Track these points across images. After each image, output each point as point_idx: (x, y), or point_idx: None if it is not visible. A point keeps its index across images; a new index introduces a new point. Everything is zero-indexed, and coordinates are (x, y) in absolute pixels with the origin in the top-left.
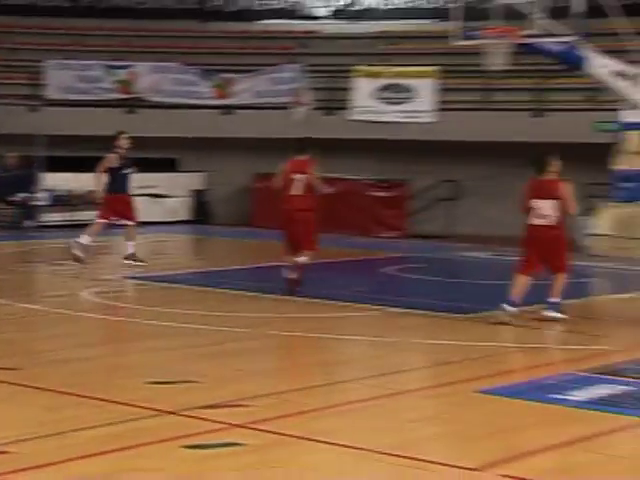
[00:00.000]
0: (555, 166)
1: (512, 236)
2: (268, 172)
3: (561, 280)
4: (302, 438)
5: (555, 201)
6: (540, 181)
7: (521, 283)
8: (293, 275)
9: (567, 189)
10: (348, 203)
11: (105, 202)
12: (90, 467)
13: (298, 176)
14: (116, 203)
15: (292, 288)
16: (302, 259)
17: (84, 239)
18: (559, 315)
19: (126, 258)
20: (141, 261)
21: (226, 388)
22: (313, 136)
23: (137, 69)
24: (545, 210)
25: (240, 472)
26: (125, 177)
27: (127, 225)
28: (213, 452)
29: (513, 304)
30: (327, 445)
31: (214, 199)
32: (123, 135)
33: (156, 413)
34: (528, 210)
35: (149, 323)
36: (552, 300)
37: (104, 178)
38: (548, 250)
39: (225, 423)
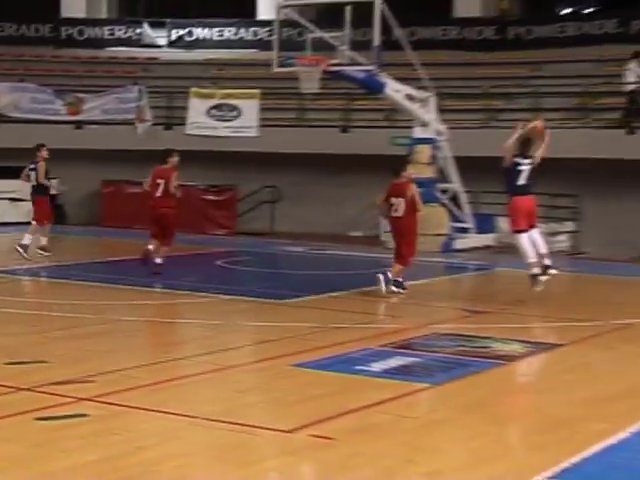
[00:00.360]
0: (408, 173)
1: (322, 233)
2: (115, 179)
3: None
4: (141, 409)
5: (403, 199)
6: (395, 183)
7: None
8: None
9: (413, 190)
10: (185, 206)
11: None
12: None
13: (160, 181)
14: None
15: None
16: (158, 247)
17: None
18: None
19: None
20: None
21: (75, 367)
22: (155, 148)
23: None
24: (399, 206)
25: (85, 439)
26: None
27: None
28: (62, 423)
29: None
30: (163, 414)
31: (68, 203)
32: (44, 147)
33: (12, 390)
34: (385, 206)
35: (6, 311)
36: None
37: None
38: (401, 235)
39: (73, 397)
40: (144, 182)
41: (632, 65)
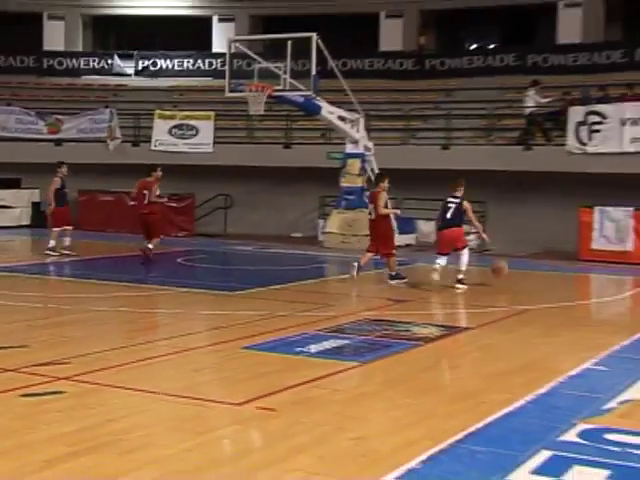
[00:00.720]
0: (384, 184)
1: (268, 234)
2: (89, 189)
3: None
4: (111, 386)
5: (373, 205)
6: (371, 192)
7: (367, 257)
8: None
9: (379, 198)
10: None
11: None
12: None
13: (146, 192)
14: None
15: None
16: (150, 245)
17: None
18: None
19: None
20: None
21: (53, 350)
22: (124, 162)
23: None
24: (372, 210)
25: (63, 413)
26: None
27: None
28: (43, 399)
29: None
30: (131, 391)
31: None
32: (63, 164)
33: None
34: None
35: None
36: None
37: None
38: (376, 235)
39: (52, 377)
40: (131, 193)
41: (531, 92)
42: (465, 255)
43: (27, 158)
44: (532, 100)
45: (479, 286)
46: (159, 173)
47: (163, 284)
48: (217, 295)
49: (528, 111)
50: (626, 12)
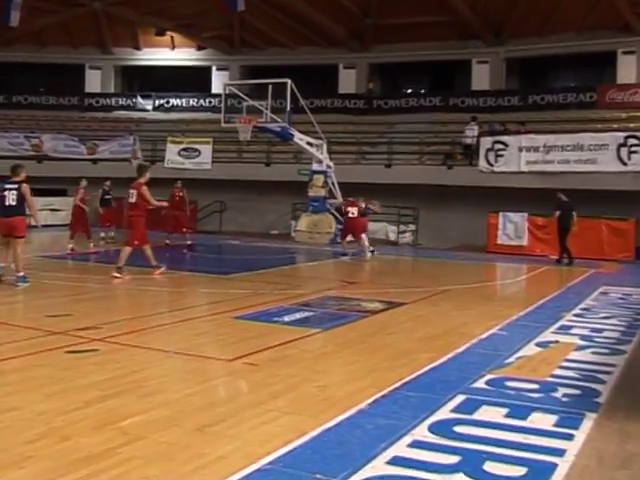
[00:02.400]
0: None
1: (253, 232)
2: (118, 197)
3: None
4: (133, 346)
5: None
6: (350, 201)
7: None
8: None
9: (358, 204)
10: (167, 214)
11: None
12: (8, 366)
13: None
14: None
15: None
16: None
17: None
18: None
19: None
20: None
21: (91, 318)
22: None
23: (43, 137)
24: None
25: (97, 365)
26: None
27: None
28: (82, 355)
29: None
30: (147, 349)
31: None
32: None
33: (49, 333)
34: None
35: (45, 283)
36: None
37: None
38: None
39: (89, 338)
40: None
41: (474, 126)
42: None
43: (71, 173)
44: (473, 131)
45: (413, 272)
46: (148, 174)
47: (172, 269)
48: (213, 277)
49: (469, 140)
50: (522, 67)
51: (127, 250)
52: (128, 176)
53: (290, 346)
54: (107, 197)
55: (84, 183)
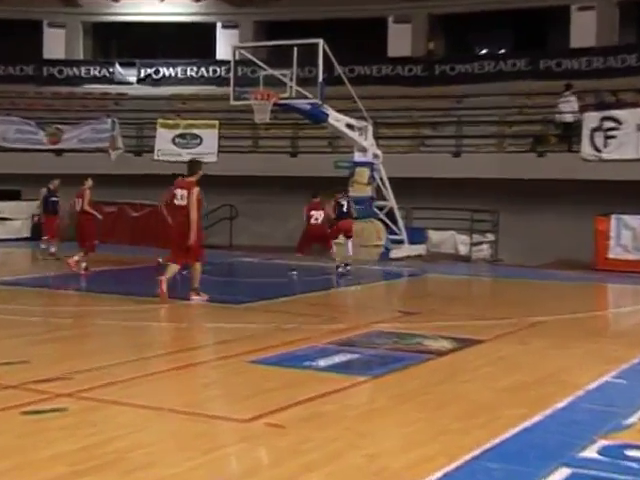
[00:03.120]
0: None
1: (274, 245)
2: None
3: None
4: (114, 402)
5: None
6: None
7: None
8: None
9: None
10: (154, 222)
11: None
12: None
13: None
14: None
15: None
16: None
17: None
18: None
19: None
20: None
21: (55, 366)
22: (126, 172)
23: None
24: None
25: (65, 430)
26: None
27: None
28: (44, 416)
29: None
30: (134, 407)
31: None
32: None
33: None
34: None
35: None
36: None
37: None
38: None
39: (54, 393)
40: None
41: (569, 97)
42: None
43: (27, 169)
44: (572, 105)
45: (491, 297)
46: (90, 182)
47: (168, 297)
48: (222, 307)
49: (568, 117)
50: None
51: (199, 268)
52: (106, 172)
53: (327, 400)
54: (53, 199)
55: (89, 183)
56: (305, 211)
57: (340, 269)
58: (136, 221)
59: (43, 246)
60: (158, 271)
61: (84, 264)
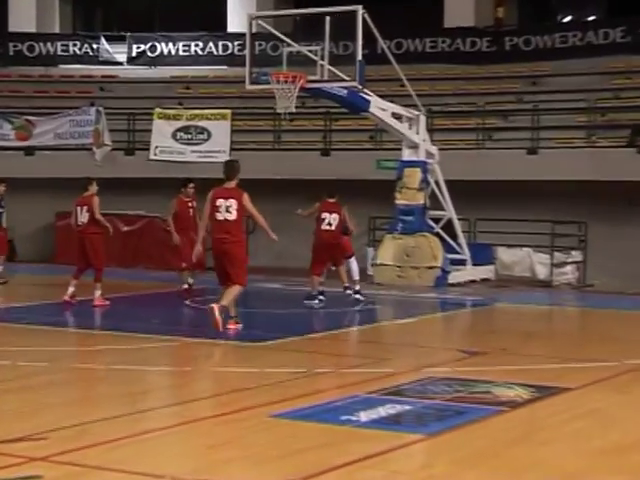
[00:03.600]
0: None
1: (301, 267)
2: (70, 210)
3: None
4: (101, 468)
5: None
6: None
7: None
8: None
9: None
10: (150, 239)
11: None
12: None
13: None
14: None
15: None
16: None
17: None
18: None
19: None
20: None
21: (26, 421)
22: (115, 176)
23: None
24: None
25: None
26: None
27: None
28: None
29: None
30: (126, 474)
31: (17, 237)
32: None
33: None
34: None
35: None
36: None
37: None
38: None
39: (25, 457)
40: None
41: None
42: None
43: None
44: None
45: (580, 332)
46: (95, 187)
47: (167, 332)
48: (238, 346)
49: None
50: None
51: (238, 290)
52: (89, 175)
53: (371, 465)
54: (1, 211)
55: (95, 187)
56: (316, 211)
57: (349, 291)
58: (127, 237)
59: None
60: (181, 297)
61: (72, 289)
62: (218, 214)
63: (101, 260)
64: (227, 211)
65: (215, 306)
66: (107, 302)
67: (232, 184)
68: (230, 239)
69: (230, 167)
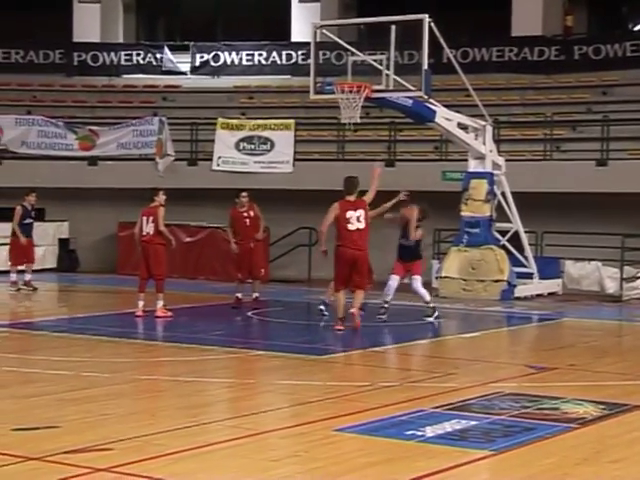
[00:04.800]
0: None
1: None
2: (133, 221)
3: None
4: None
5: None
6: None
7: None
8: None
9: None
10: (212, 250)
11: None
12: None
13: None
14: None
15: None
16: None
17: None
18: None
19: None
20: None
21: (90, 432)
22: (177, 186)
23: (2, 122)
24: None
25: None
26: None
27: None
28: None
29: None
30: None
31: (80, 247)
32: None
33: (21, 459)
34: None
35: (12, 370)
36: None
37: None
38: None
39: (90, 467)
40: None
41: None
42: None
43: (53, 182)
44: None
45: None
46: (163, 197)
47: (229, 345)
48: (300, 359)
49: None
50: None
51: (363, 295)
52: (151, 186)
53: None
54: (30, 221)
55: (162, 197)
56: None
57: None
58: (189, 248)
59: (13, 276)
60: (235, 308)
61: (141, 303)
62: (350, 225)
63: (163, 271)
64: (358, 221)
65: (354, 311)
66: (169, 313)
67: (353, 197)
68: (362, 247)
69: (351, 183)
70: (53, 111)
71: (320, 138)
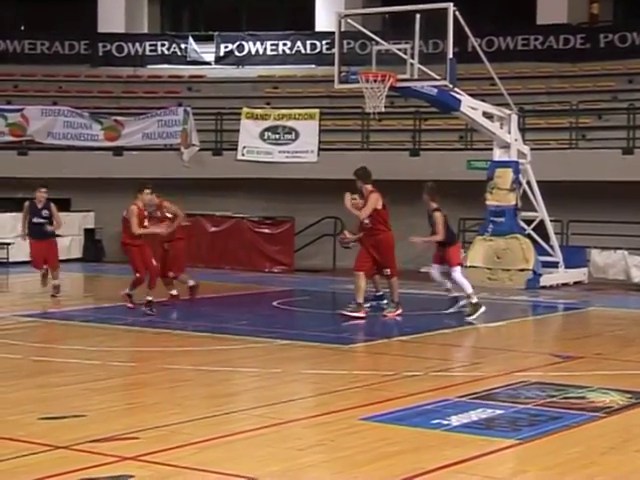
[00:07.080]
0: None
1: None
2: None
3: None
4: (191, 469)
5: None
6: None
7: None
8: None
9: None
10: (237, 240)
11: None
12: None
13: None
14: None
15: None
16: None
17: None
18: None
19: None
20: None
21: (117, 421)
22: (202, 176)
23: (28, 112)
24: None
25: None
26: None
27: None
28: None
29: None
30: (216, 475)
31: (106, 237)
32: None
33: (49, 448)
34: None
35: (39, 359)
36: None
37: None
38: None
39: (117, 456)
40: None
41: None
42: None
43: (78, 172)
44: None
45: None
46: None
47: (255, 334)
48: (326, 349)
49: None
50: None
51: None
52: (177, 177)
53: (462, 469)
54: (39, 221)
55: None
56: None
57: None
58: (214, 237)
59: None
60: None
61: (174, 292)
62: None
63: (180, 264)
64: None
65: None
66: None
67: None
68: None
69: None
70: (78, 102)
71: (345, 128)
